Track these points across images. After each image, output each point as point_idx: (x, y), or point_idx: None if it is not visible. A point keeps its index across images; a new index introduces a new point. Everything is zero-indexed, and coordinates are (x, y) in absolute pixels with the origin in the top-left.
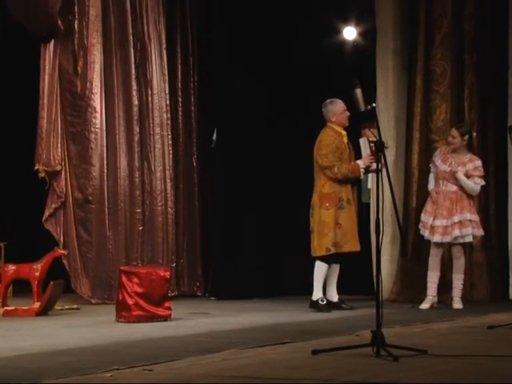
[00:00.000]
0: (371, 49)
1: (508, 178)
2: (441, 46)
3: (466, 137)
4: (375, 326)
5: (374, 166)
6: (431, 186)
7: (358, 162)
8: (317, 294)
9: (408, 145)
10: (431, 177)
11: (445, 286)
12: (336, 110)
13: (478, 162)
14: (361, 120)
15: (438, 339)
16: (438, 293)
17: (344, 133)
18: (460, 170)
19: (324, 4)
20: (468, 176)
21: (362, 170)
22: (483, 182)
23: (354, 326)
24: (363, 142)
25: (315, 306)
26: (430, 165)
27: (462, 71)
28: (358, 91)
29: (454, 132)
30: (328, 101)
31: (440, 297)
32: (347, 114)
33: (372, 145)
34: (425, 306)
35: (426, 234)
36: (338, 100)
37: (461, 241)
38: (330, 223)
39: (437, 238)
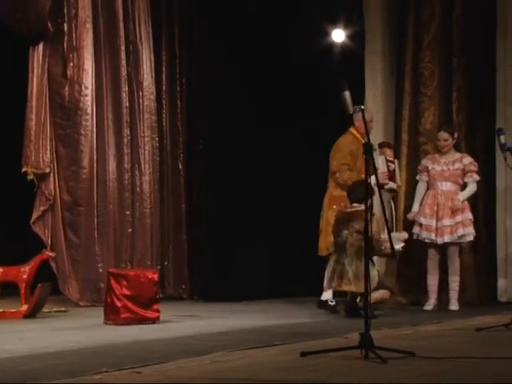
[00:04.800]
0: (360, 51)
1: (496, 180)
2: (429, 48)
3: (456, 134)
4: (364, 329)
5: (391, 184)
6: (419, 195)
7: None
8: (326, 295)
9: (396, 147)
10: (420, 186)
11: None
12: (361, 116)
13: (470, 158)
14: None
15: (427, 341)
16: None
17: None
18: (456, 166)
19: (313, 6)
20: (465, 172)
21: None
22: (477, 178)
23: (342, 328)
24: (381, 160)
25: (323, 306)
26: (418, 176)
27: (450, 74)
28: (347, 93)
29: (444, 135)
30: (361, 106)
31: (422, 297)
32: (372, 124)
33: (390, 164)
34: (428, 307)
35: (431, 236)
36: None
37: (464, 240)
38: (331, 224)
39: (447, 239)
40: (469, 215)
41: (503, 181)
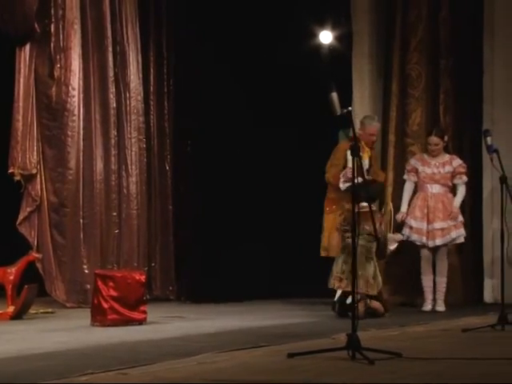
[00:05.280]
0: (347, 53)
1: (483, 181)
2: (416, 50)
3: (446, 137)
4: (351, 330)
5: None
6: (407, 195)
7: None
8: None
9: (384, 148)
10: (408, 187)
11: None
12: (367, 128)
13: (459, 159)
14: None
15: (413, 342)
16: (411, 294)
17: (366, 149)
18: (447, 169)
19: (300, 8)
20: (455, 173)
21: (342, 181)
22: (467, 179)
23: (329, 329)
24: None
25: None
26: (406, 176)
27: (438, 75)
28: (334, 95)
29: (434, 139)
30: (370, 115)
31: (411, 298)
32: (374, 139)
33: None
34: (427, 307)
35: (422, 239)
36: (375, 121)
37: (455, 242)
38: (326, 227)
39: (439, 242)
40: (460, 217)
41: (490, 182)
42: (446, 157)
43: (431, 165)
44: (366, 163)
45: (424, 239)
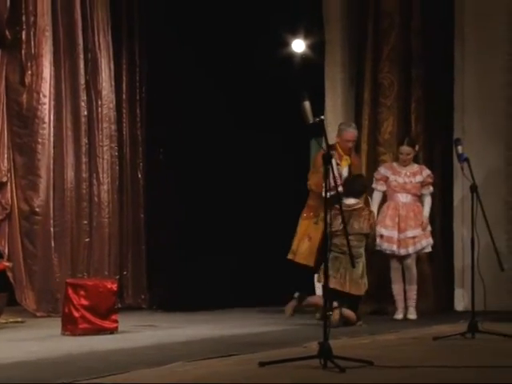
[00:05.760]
0: (320, 61)
1: (453, 190)
2: (388, 59)
3: (417, 147)
4: (322, 338)
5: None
6: (376, 204)
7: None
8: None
9: None
10: (376, 195)
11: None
12: (344, 134)
13: (428, 170)
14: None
15: (385, 350)
16: (382, 302)
17: (345, 157)
18: (418, 179)
19: (274, 17)
20: (424, 184)
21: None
22: (432, 190)
23: (301, 337)
24: (333, 163)
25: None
26: (374, 184)
27: (409, 84)
28: (306, 104)
29: (406, 149)
30: (347, 122)
31: (382, 306)
32: (350, 145)
33: (339, 167)
34: (399, 316)
35: (393, 248)
36: (352, 127)
37: (424, 251)
38: (298, 232)
39: (411, 250)
40: (428, 227)
41: (460, 191)
42: (415, 166)
43: (402, 174)
44: (345, 171)
45: (395, 247)
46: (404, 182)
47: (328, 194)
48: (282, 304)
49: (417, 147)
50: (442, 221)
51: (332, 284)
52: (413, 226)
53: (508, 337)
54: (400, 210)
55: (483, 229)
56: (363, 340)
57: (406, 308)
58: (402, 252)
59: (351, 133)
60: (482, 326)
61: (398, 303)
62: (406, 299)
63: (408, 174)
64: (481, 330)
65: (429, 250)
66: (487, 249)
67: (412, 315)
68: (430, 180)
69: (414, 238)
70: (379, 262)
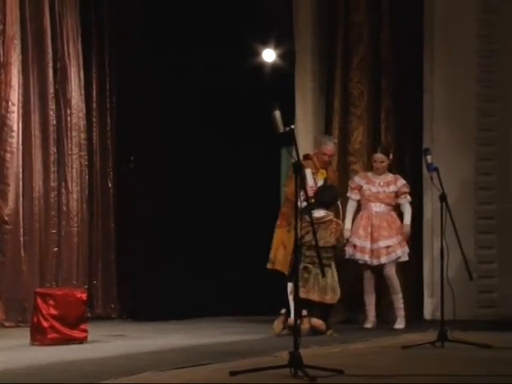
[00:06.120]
0: (290, 71)
1: (423, 200)
2: (358, 68)
3: (391, 156)
4: (293, 347)
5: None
6: (351, 213)
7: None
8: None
9: None
10: (351, 204)
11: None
12: (322, 147)
13: (403, 179)
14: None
15: (355, 359)
16: (352, 311)
17: (321, 170)
18: (391, 188)
19: (244, 27)
20: (399, 193)
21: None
22: (410, 199)
23: (271, 346)
24: (308, 173)
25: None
26: (349, 193)
27: (379, 94)
28: (277, 113)
29: (381, 156)
30: (328, 135)
31: (353, 315)
32: (326, 158)
33: (315, 177)
34: (369, 325)
35: (365, 258)
36: (332, 142)
37: (400, 260)
38: (274, 240)
39: (384, 260)
40: (401, 236)
41: (430, 201)
42: (390, 176)
43: (376, 183)
44: (320, 183)
45: (367, 257)
46: (377, 192)
47: (301, 203)
48: (253, 313)
49: (391, 156)
50: (412, 230)
51: (302, 294)
52: (386, 236)
53: (477, 346)
54: (373, 219)
55: (453, 238)
56: (333, 349)
57: (376, 317)
58: (375, 262)
59: (329, 147)
60: (452, 334)
61: (369, 312)
62: (393, 309)
63: (382, 183)
64: (450, 339)
65: (405, 258)
66: (457, 258)
67: (400, 324)
68: (406, 189)
69: (387, 247)
70: (350, 272)
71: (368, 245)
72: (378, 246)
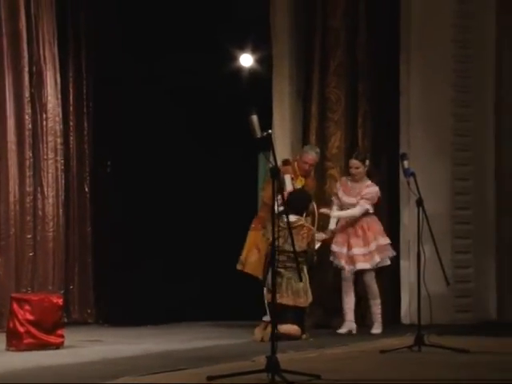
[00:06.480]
0: (268, 75)
1: (400, 205)
2: (335, 74)
3: (367, 162)
4: (270, 352)
5: None
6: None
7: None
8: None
9: None
10: (334, 210)
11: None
12: (304, 156)
13: (375, 188)
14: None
15: (332, 364)
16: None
17: (300, 178)
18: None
19: (221, 31)
20: (361, 197)
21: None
22: (366, 205)
23: (249, 351)
24: (287, 179)
25: None
26: (333, 198)
27: (356, 99)
28: (254, 118)
29: (356, 163)
30: (312, 145)
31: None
32: (306, 167)
33: (293, 182)
34: (342, 330)
35: (341, 263)
36: (314, 151)
37: (381, 265)
38: (247, 243)
39: (359, 266)
40: (381, 241)
41: (407, 206)
42: (367, 183)
43: (351, 194)
44: None
45: (343, 263)
46: (351, 203)
47: (278, 208)
48: (231, 318)
49: (367, 162)
50: (388, 235)
51: (276, 299)
52: (360, 245)
53: (453, 350)
54: (349, 227)
55: (429, 243)
56: (310, 354)
57: (355, 322)
58: (349, 268)
59: (311, 156)
60: (428, 339)
61: (346, 316)
62: (371, 313)
63: (355, 193)
64: (427, 344)
65: (387, 263)
66: (433, 263)
67: (377, 329)
68: (365, 195)
69: (363, 255)
70: (323, 276)
71: (344, 251)
72: (352, 253)
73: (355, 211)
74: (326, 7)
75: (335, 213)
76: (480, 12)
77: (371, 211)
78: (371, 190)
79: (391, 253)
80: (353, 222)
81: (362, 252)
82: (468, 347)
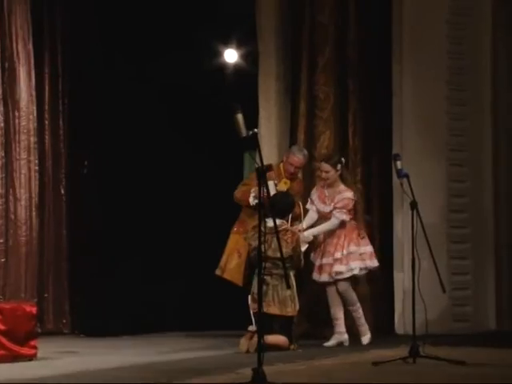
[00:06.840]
0: (253, 72)
1: (393, 206)
2: (324, 71)
3: (339, 166)
4: (256, 364)
5: None
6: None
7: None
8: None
9: None
10: (309, 216)
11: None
12: (290, 157)
13: (347, 194)
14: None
15: (321, 377)
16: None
17: (284, 180)
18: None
19: (205, 26)
20: (335, 207)
21: (253, 196)
22: (342, 216)
23: (234, 363)
24: (271, 184)
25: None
26: (308, 205)
27: (346, 97)
28: (239, 116)
29: (326, 166)
30: (300, 147)
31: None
32: (292, 169)
33: (277, 187)
34: (329, 343)
35: (315, 274)
36: (301, 153)
37: (346, 276)
38: (228, 247)
39: (323, 278)
40: (352, 249)
41: (400, 208)
42: (340, 188)
43: (326, 202)
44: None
45: (315, 274)
46: (324, 212)
47: (253, 200)
48: (213, 328)
49: (339, 166)
50: (381, 240)
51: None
52: (331, 253)
53: (450, 362)
54: (321, 235)
55: (424, 248)
56: (299, 366)
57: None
58: (321, 278)
59: (297, 158)
60: (424, 350)
61: (335, 328)
62: (355, 320)
63: (328, 202)
64: (422, 355)
65: (356, 272)
66: (428, 269)
67: (366, 337)
68: (340, 205)
69: (329, 264)
70: (310, 285)
71: (318, 261)
72: (322, 262)
73: (330, 225)
74: (314, 2)
75: (309, 232)
76: (474, 8)
77: (347, 219)
78: (343, 196)
79: (371, 262)
80: (330, 231)
81: (328, 262)
82: (465, 359)
